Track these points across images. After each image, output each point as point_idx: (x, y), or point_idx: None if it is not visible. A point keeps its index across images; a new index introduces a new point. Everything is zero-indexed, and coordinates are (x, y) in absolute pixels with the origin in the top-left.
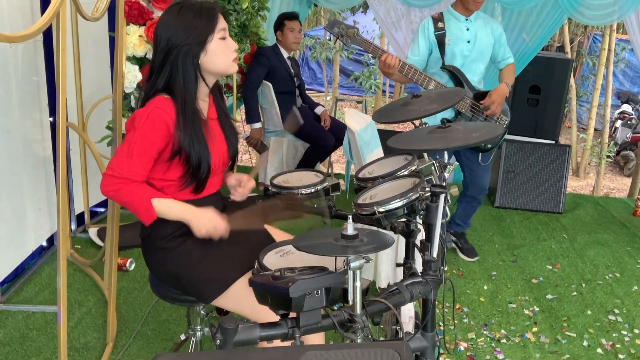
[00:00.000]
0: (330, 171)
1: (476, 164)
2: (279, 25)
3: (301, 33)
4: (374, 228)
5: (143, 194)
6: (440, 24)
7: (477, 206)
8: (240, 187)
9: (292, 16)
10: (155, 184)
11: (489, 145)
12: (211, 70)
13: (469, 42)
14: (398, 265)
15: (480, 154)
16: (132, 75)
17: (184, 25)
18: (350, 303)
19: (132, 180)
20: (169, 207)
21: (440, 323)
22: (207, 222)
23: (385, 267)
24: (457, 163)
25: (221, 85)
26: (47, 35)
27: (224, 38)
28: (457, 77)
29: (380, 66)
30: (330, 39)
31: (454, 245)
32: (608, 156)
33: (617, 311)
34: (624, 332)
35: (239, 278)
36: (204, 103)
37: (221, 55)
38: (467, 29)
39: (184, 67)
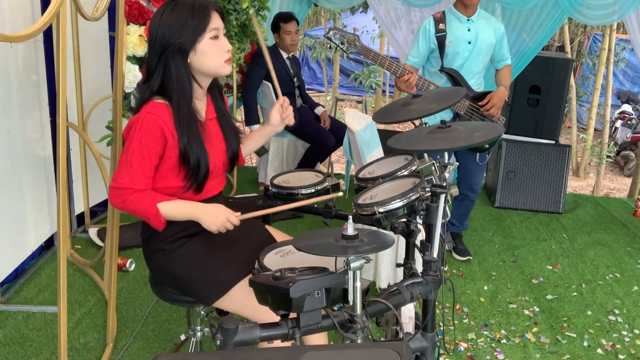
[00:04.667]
0: (330, 171)
1: (472, 162)
2: (275, 28)
3: (298, 34)
4: (374, 228)
5: (148, 201)
6: (441, 25)
7: (470, 205)
8: (285, 111)
9: (287, 18)
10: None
11: (487, 145)
12: (201, 70)
13: (469, 43)
14: (398, 265)
15: (478, 153)
16: (132, 75)
17: (176, 22)
18: (351, 303)
19: (135, 189)
20: (176, 209)
21: (441, 323)
22: (216, 216)
23: (385, 267)
24: (457, 163)
25: (221, 85)
26: (48, 35)
27: (216, 37)
28: (455, 79)
29: (399, 84)
30: (330, 47)
31: (448, 247)
32: (608, 156)
33: (617, 311)
34: (624, 333)
35: (240, 280)
36: (201, 103)
37: (212, 55)
38: (469, 30)
39: (176, 67)
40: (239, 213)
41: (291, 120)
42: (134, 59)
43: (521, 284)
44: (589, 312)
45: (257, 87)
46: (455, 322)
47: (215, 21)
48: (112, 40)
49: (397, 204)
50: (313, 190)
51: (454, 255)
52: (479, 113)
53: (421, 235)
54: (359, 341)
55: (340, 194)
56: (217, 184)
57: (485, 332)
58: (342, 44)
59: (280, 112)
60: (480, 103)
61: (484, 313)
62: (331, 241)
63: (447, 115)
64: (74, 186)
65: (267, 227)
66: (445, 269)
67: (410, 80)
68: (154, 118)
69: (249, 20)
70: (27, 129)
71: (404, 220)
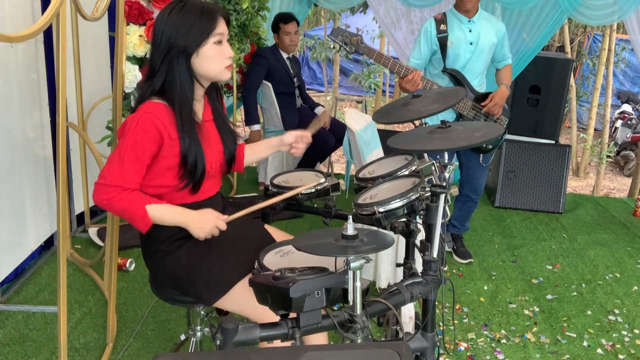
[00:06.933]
0: (330, 171)
1: (475, 163)
2: (275, 28)
3: (298, 34)
4: (374, 228)
5: (137, 201)
6: (442, 26)
7: (472, 207)
8: (300, 142)
9: (287, 19)
10: (150, 192)
11: (490, 146)
12: (202, 73)
13: (471, 44)
14: (398, 265)
15: (482, 154)
16: (132, 75)
17: (184, 23)
18: (351, 303)
19: (124, 188)
20: (165, 213)
21: (440, 323)
22: (205, 223)
23: (385, 267)
24: (457, 163)
25: (220, 85)
26: (48, 35)
27: (219, 42)
28: (458, 80)
29: (405, 85)
30: (333, 48)
31: (448, 247)
32: (608, 156)
33: (617, 311)
34: (624, 332)
35: (240, 280)
36: (198, 104)
37: (213, 59)
38: (470, 31)
39: (180, 68)
40: (227, 216)
41: (297, 153)
42: (134, 59)
43: (521, 284)
44: (589, 312)
45: (257, 87)
46: (455, 322)
47: (222, 26)
48: (112, 41)
49: (397, 203)
50: (313, 190)
51: (455, 257)
52: (482, 113)
53: (421, 235)
54: (358, 341)
55: (323, 169)
56: (214, 185)
57: (485, 332)
58: (345, 45)
59: (297, 139)
60: (482, 103)
61: (483, 313)
62: (331, 241)
63: (449, 115)
64: (73, 186)
65: (267, 226)
66: (445, 268)
67: (415, 77)
68: (150, 117)
69: (248, 20)
70: (27, 129)
71: (404, 220)
